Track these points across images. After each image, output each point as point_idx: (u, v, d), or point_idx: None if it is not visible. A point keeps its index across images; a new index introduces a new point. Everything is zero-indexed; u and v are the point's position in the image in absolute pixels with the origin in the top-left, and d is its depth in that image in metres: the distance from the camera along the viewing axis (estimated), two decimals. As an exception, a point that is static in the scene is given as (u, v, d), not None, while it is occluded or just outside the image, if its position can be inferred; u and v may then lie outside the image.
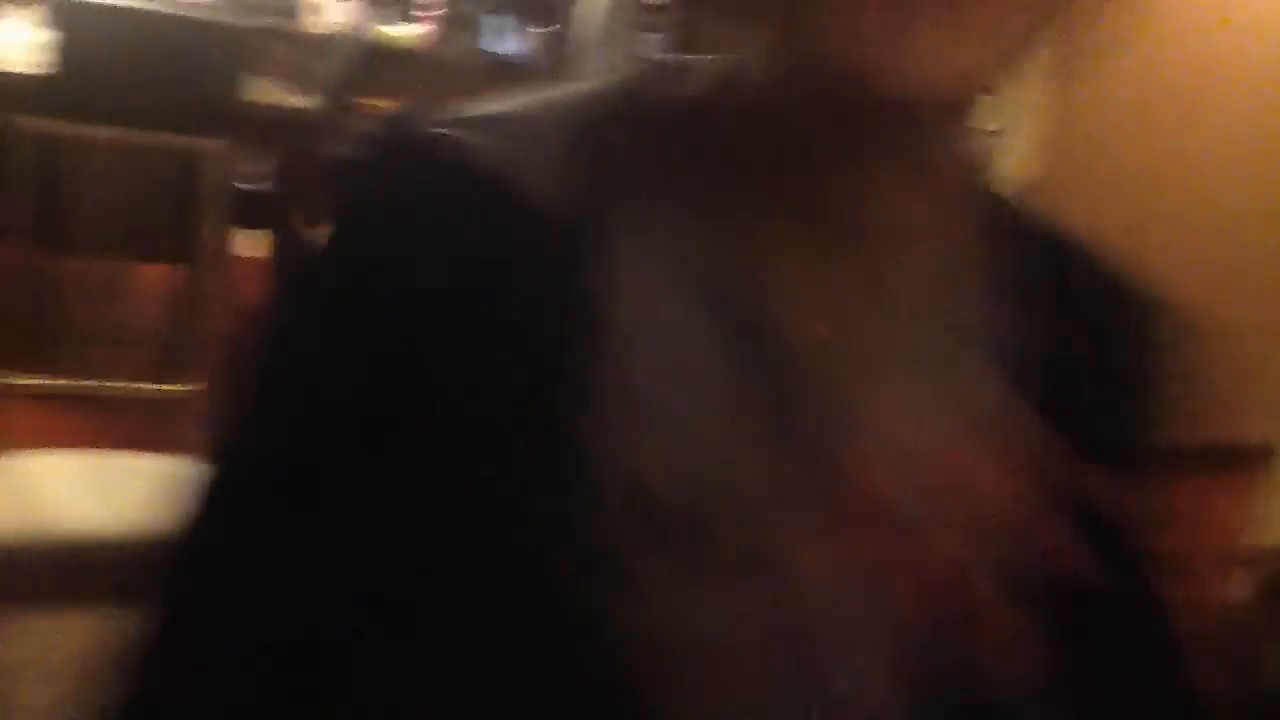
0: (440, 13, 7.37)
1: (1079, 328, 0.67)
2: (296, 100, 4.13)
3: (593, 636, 0.52)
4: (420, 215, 0.60)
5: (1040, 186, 3.92)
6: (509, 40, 9.53)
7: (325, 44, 5.33)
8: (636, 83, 0.69)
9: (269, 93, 4.17)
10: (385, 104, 6.32)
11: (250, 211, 4.28)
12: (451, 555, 0.55)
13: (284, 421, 0.59)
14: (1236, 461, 3.89)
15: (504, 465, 0.56)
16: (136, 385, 2.16)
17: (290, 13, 7.31)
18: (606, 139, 0.63)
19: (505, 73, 9.05)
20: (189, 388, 2.20)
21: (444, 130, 0.64)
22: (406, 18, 7.40)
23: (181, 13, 4.11)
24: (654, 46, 6.91)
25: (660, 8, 6.86)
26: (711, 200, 0.61)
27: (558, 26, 8.17)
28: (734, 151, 0.62)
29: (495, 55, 9.42)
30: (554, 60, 7.87)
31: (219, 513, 0.60)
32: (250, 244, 4.33)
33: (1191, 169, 4.66)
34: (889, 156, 0.58)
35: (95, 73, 3.46)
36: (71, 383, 2.09)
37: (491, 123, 0.65)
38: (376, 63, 6.64)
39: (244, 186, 4.37)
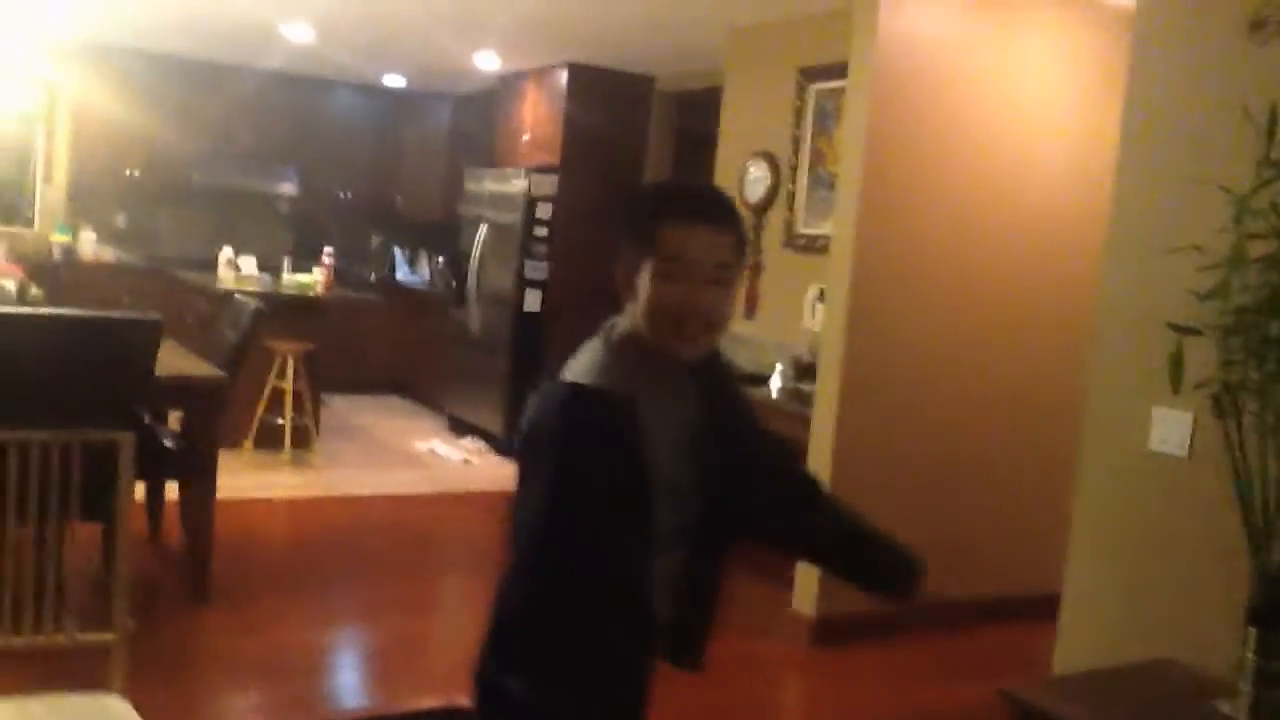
0: (333, 264, 7.93)
1: (732, 401, 2.00)
2: (205, 369, 4.49)
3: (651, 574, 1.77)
4: (606, 425, 1.71)
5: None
6: (410, 272, 10.25)
7: (231, 300, 5.83)
8: (610, 337, 1.81)
9: (175, 359, 4.48)
10: (290, 343, 6.85)
11: (168, 464, 4.72)
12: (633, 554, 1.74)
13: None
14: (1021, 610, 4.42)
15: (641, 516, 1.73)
16: (71, 635, 2.51)
17: (211, 268, 7.89)
18: (623, 363, 1.78)
19: (409, 298, 9.74)
20: (111, 635, 2.58)
21: (595, 385, 1.74)
22: (309, 266, 7.95)
23: (94, 313, 4.16)
24: (535, 270, 7.63)
25: (543, 240, 7.57)
26: (647, 375, 1.78)
27: (453, 262, 8.84)
28: (643, 359, 1.79)
29: (401, 283, 10.14)
30: (450, 285, 8.54)
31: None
32: (167, 490, 4.77)
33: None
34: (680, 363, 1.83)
35: (25, 380, 3.56)
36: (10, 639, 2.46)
37: (600, 371, 1.76)
38: (283, 307, 7.17)
39: (163, 442, 4.83)
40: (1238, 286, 2.59)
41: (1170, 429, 3.02)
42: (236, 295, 6.06)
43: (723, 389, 1.97)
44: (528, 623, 1.73)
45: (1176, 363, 2.62)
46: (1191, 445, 2.94)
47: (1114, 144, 3.29)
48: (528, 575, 1.73)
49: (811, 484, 2.09)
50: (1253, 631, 2.39)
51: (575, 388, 1.74)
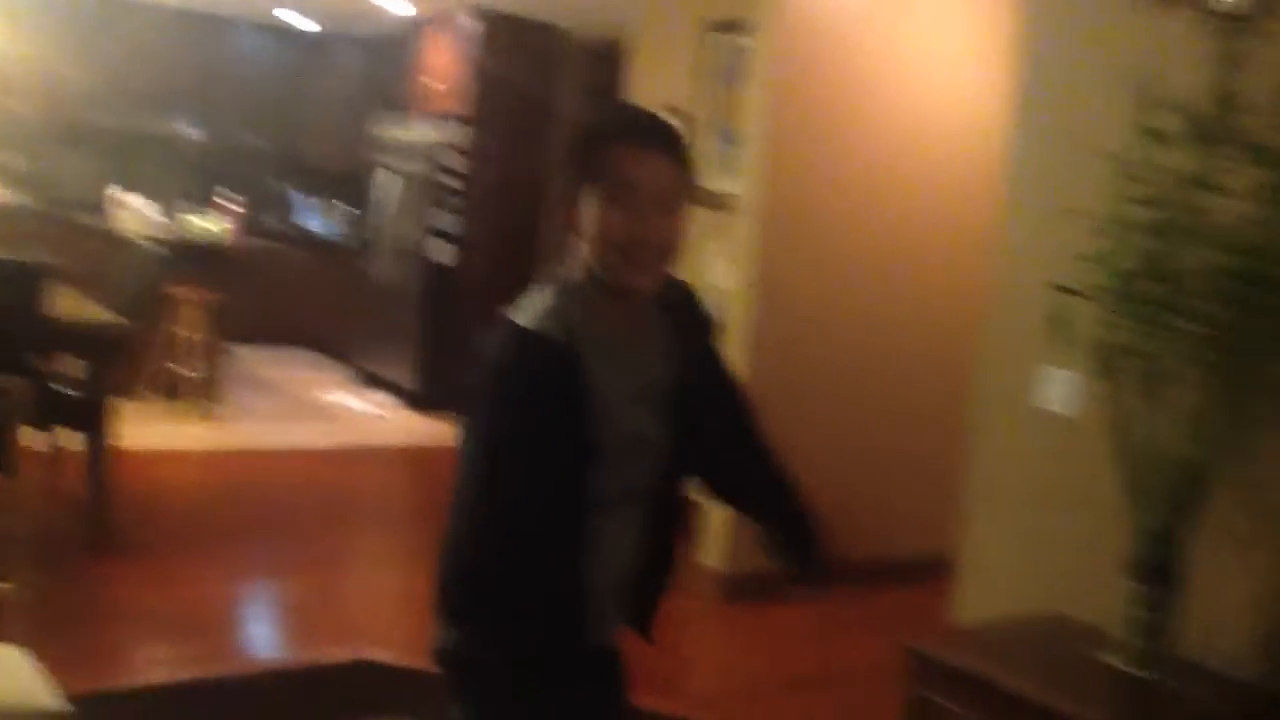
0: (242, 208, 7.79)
1: (699, 337, 1.97)
2: (99, 312, 4.37)
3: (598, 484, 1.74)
4: (542, 362, 1.70)
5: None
6: (319, 221, 10.10)
7: (132, 246, 5.71)
8: (562, 281, 1.79)
9: (73, 305, 4.37)
10: (194, 291, 6.73)
11: (66, 413, 4.62)
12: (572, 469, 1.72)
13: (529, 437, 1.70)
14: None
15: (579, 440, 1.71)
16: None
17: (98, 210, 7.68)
18: (571, 309, 1.75)
19: (316, 247, 9.60)
20: (7, 585, 2.55)
21: (535, 325, 1.72)
22: (212, 211, 7.79)
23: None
24: (444, 221, 7.58)
25: (455, 191, 7.51)
26: (601, 323, 1.76)
27: (360, 211, 8.73)
28: (596, 302, 1.76)
29: (307, 232, 10.00)
30: (359, 236, 8.43)
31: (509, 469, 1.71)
32: (67, 440, 4.66)
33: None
34: (633, 300, 1.78)
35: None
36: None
37: (548, 315, 1.73)
38: (187, 254, 7.03)
39: (61, 390, 4.73)
40: (1122, 251, 2.69)
41: (1059, 388, 3.12)
42: (140, 241, 5.93)
43: (698, 339, 1.95)
44: (467, 570, 1.72)
45: (1057, 322, 2.73)
46: (1079, 404, 3.04)
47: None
48: (466, 519, 1.73)
49: (762, 443, 2.11)
50: (1135, 587, 2.52)
51: (519, 330, 1.72)
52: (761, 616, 4.49)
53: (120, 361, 4.63)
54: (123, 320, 4.62)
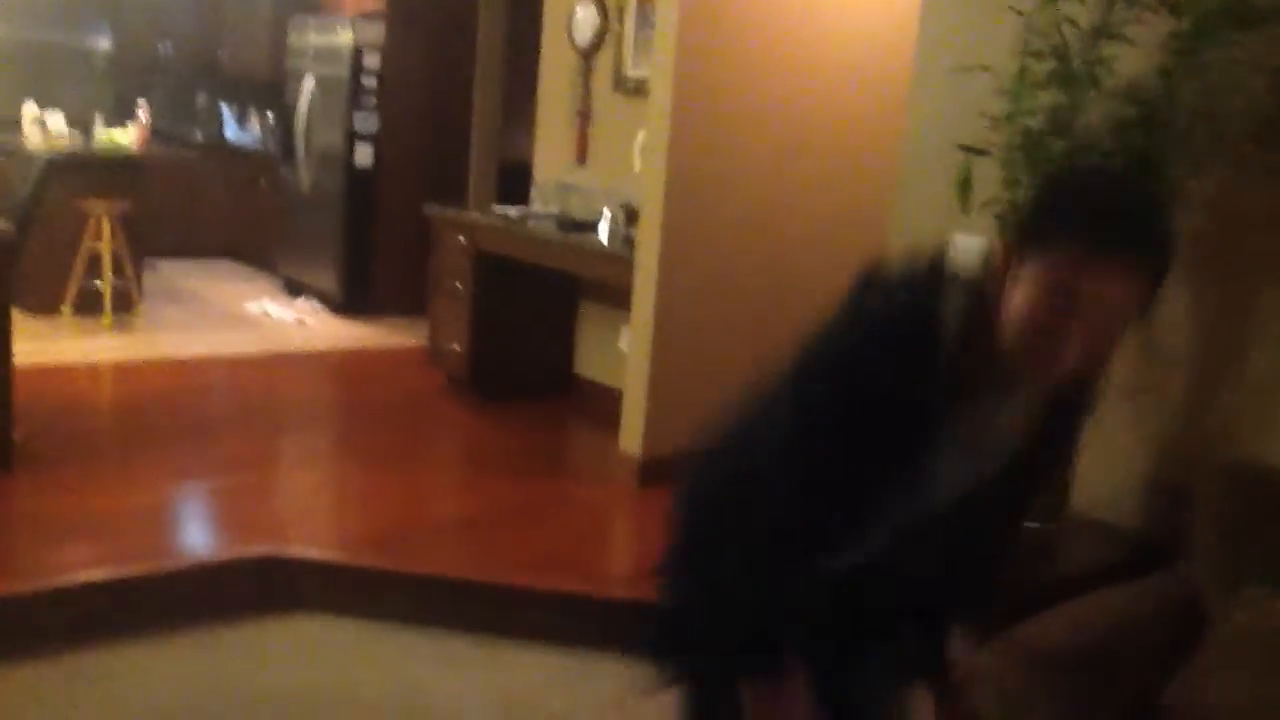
0: (148, 120, 7.54)
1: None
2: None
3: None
4: (916, 338, 1.46)
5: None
6: (239, 130, 9.83)
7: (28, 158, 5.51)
8: (958, 292, 1.49)
9: None
10: (104, 203, 6.52)
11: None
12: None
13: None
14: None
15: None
16: None
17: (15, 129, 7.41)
18: (950, 320, 1.46)
19: (238, 157, 9.36)
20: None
21: (912, 290, 1.50)
22: (130, 125, 7.53)
23: None
24: (365, 124, 7.39)
25: (368, 91, 7.31)
26: (981, 370, 1.47)
27: (282, 119, 8.48)
28: (981, 346, 1.45)
29: (228, 142, 9.72)
30: (280, 142, 8.20)
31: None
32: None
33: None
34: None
35: None
36: None
37: (925, 287, 1.49)
38: (95, 166, 6.81)
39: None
40: (1026, 107, 2.65)
41: (969, 258, 3.09)
42: (38, 154, 5.71)
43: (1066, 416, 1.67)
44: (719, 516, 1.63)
45: (964, 184, 2.69)
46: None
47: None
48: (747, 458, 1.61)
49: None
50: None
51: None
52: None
53: (9, 270, 4.44)
54: (7, 227, 4.44)
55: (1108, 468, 2.71)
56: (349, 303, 7.45)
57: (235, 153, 9.43)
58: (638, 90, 5.49)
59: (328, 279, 7.59)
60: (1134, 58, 2.53)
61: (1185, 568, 2.24)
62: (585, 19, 5.76)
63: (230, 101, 9.97)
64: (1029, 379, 1.47)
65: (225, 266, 9.01)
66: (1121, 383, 2.66)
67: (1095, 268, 1.35)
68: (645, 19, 5.48)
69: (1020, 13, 2.68)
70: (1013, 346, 1.41)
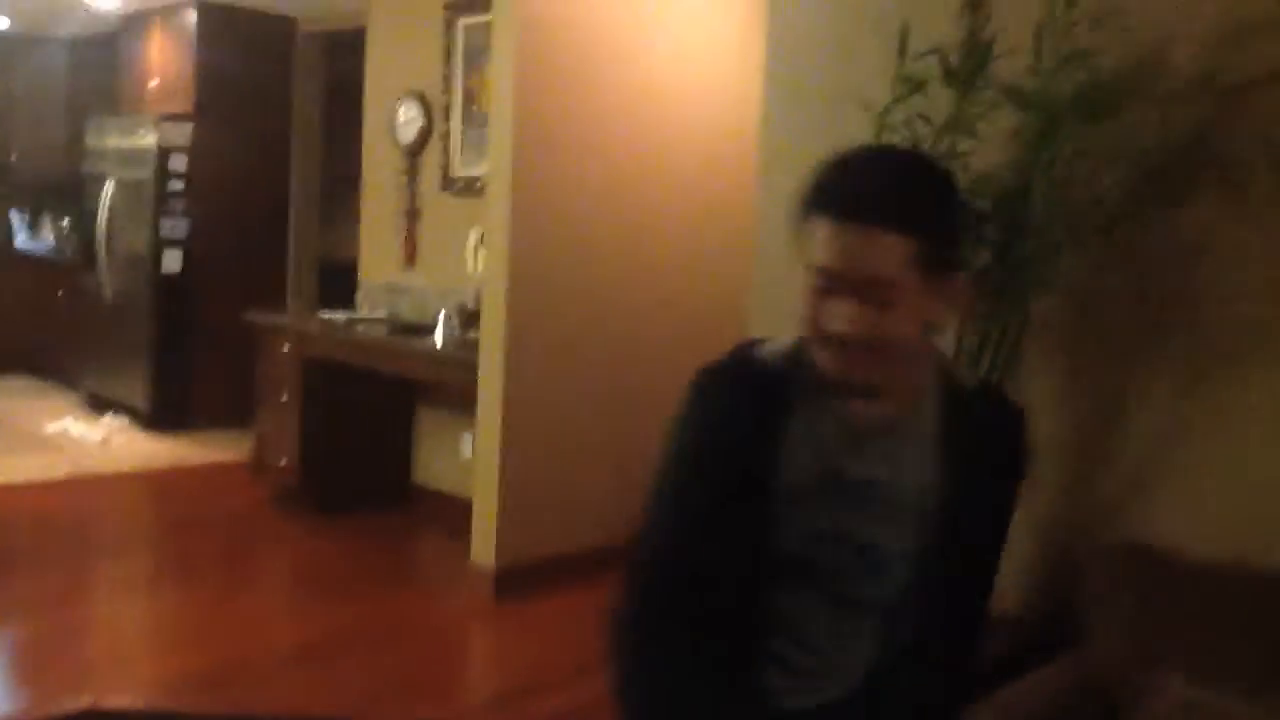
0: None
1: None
2: None
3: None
4: (742, 397, 1.58)
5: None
6: (30, 237, 9.25)
7: None
8: (780, 350, 1.61)
9: None
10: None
11: None
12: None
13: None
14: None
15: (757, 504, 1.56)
16: None
17: None
18: (781, 373, 1.58)
19: (33, 266, 8.80)
20: None
21: (746, 361, 1.62)
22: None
23: None
24: (173, 228, 7.04)
25: (176, 194, 6.98)
26: (808, 402, 1.56)
27: (81, 224, 8.02)
28: (808, 383, 1.54)
29: (21, 251, 9.13)
30: (79, 250, 7.73)
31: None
32: None
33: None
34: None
35: None
36: None
37: (742, 345, 1.65)
38: None
39: None
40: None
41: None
42: None
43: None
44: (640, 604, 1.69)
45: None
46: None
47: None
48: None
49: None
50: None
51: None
52: (534, 611, 4.29)
53: None
54: None
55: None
56: (161, 417, 7.01)
57: (28, 260, 8.87)
58: (467, 189, 5.39)
59: (136, 393, 7.14)
60: (986, 152, 2.57)
61: (1087, 655, 2.22)
62: (410, 118, 5.65)
63: (20, 206, 9.40)
64: (824, 367, 1.49)
65: (20, 384, 8.40)
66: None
67: (846, 237, 1.41)
68: (471, 118, 5.41)
69: (868, 108, 2.70)
70: (806, 344, 1.51)
